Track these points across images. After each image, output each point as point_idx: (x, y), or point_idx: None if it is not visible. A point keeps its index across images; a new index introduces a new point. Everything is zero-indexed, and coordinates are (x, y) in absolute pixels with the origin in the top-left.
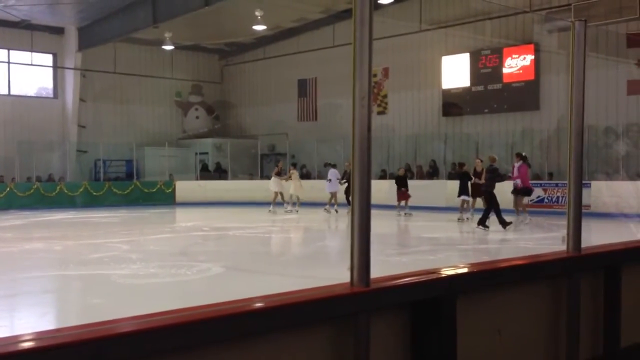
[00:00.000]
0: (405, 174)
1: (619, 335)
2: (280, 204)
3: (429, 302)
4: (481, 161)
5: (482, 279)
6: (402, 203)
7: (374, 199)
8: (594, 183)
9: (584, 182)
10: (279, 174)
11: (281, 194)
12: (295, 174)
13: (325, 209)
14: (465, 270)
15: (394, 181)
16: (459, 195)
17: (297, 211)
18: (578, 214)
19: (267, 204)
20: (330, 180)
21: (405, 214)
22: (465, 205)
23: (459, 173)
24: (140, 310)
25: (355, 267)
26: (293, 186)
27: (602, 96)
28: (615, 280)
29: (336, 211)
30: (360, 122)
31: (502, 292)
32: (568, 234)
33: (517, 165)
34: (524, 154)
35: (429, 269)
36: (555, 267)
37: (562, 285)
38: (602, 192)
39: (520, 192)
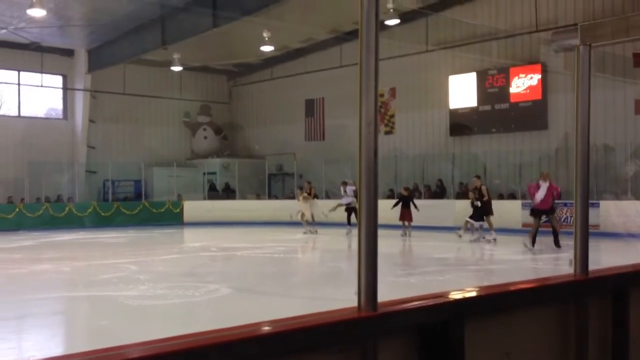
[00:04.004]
0: (409, 193)
1: (628, 359)
2: (311, 223)
3: (437, 326)
4: (479, 178)
5: (490, 302)
6: (406, 223)
7: (382, 219)
8: (602, 203)
9: (592, 201)
10: (309, 194)
11: (303, 214)
12: (303, 194)
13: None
14: (473, 293)
15: (397, 200)
16: (475, 220)
17: (311, 232)
18: (585, 238)
19: (275, 223)
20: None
21: (407, 233)
22: (476, 226)
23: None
24: (148, 332)
25: (362, 291)
26: (302, 207)
27: (609, 116)
28: (623, 303)
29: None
30: (367, 148)
31: (510, 315)
32: (575, 257)
33: (547, 185)
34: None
35: (437, 292)
36: (562, 291)
37: (570, 309)
38: (610, 212)
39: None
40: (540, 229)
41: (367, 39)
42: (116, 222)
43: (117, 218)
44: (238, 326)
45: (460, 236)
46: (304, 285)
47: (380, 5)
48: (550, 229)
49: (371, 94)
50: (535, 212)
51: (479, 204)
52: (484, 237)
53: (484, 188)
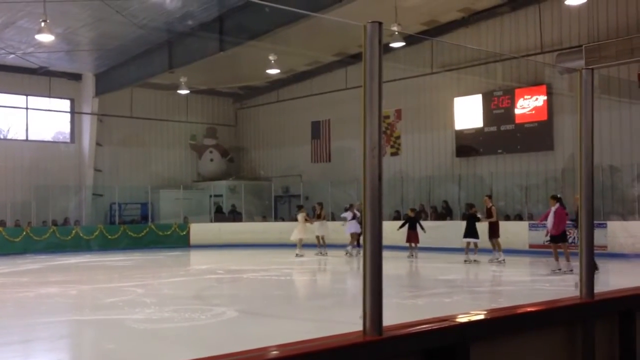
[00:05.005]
0: (416, 215)
1: None
2: (322, 246)
3: (444, 350)
4: (489, 198)
5: (496, 325)
6: (413, 244)
7: (388, 241)
8: (609, 223)
9: (600, 222)
10: (319, 216)
11: (322, 237)
12: (300, 216)
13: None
14: (479, 317)
15: (404, 222)
16: (465, 237)
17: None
18: (590, 260)
19: (281, 245)
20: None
21: (413, 254)
22: (471, 247)
23: (468, 214)
24: (155, 356)
25: (367, 315)
26: (297, 229)
27: (615, 137)
28: (630, 325)
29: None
30: (371, 172)
31: (516, 338)
32: (581, 280)
33: (554, 209)
34: (559, 195)
35: (443, 316)
36: (569, 313)
37: (576, 331)
38: (617, 233)
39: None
40: (559, 250)
41: (370, 65)
42: (122, 245)
43: (124, 241)
44: (245, 351)
45: (475, 261)
46: (311, 308)
47: (383, 31)
48: (576, 250)
49: (375, 119)
50: (550, 238)
51: (480, 218)
52: (497, 259)
53: (493, 209)
